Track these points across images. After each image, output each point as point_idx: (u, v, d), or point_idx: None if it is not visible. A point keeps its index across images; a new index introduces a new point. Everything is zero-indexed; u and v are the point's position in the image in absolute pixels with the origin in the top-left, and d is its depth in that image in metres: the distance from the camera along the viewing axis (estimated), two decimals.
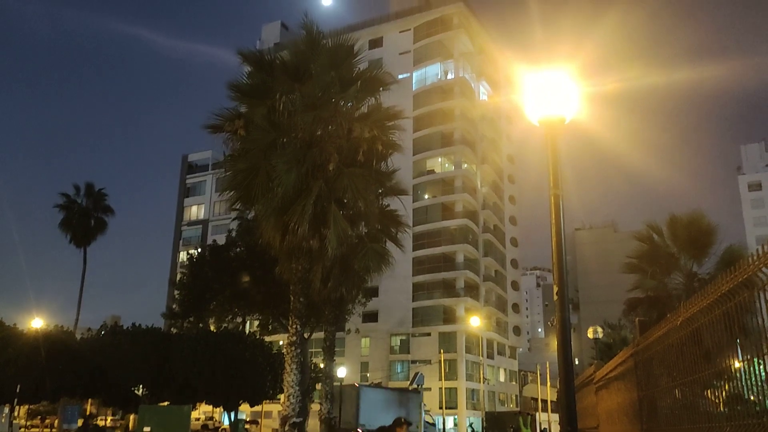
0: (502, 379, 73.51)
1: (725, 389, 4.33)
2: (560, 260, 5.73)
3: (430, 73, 75.37)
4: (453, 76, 74.42)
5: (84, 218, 51.01)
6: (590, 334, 27.80)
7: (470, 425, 59.18)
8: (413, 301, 67.46)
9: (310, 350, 42.27)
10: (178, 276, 53.67)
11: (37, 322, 36.56)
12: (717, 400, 4.50)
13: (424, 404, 40.67)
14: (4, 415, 36.43)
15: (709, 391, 4.61)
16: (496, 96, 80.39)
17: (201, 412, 55.70)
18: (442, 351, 58.10)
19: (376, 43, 76.70)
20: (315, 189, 17.37)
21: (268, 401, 36.08)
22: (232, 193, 17.94)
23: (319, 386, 41.96)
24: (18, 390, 30.37)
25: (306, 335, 31.41)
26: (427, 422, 40.22)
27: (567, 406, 5.58)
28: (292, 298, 18.19)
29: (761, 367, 3.63)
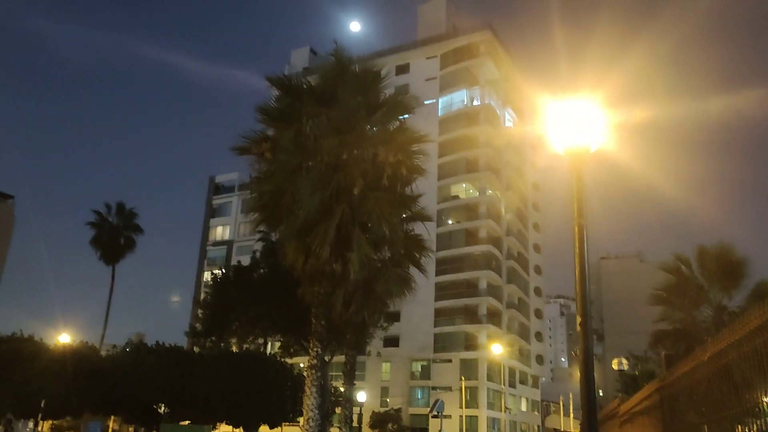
0: (523, 408, 72.23)
1: (756, 427, 4.18)
2: (584, 290, 5.64)
3: (456, 99, 75.74)
4: (479, 103, 74.64)
5: (114, 236, 51.80)
6: (615, 366, 27.24)
7: None
8: (435, 326, 66.91)
9: (330, 373, 42.04)
10: (202, 295, 54.03)
11: (64, 338, 36.97)
12: None
13: None
14: (28, 430, 36.75)
15: (739, 428, 4.45)
16: (521, 123, 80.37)
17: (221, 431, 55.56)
18: (463, 378, 57.37)
19: (402, 69, 77.40)
20: (339, 212, 17.41)
21: (287, 423, 35.88)
22: (257, 214, 18.06)
23: (338, 410, 41.64)
24: (43, 405, 30.62)
25: (327, 358, 31.28)
26: None
27: None
28: (313, 321, 18.16)
29: None
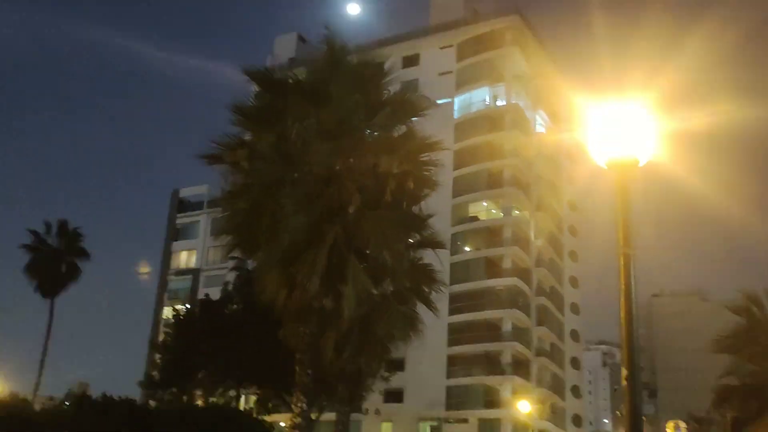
0: None
1: None
2: (631, 335, 5.64)
3: (476, 98, 76.29)
4: (504, 103, 75.15)
5: (54, 262, 51.32)
6: (670, 430, 27.07)
7: None
8: (448, 378, 66.58)
9: None
10: (161, 336, 53.91)
11: None
12: None
13: None
14: None
15: None
16: (555, 129, 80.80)
17: None
18: None
19: (411, 61, 78.00)
20: (330, 235, 17.44)
21: None
22: (229, 237, 18.13)
23: None
24: None
25: (314, 416, 31.07)
26: None
27: None
28: (297, 370, 18.09)
29: None
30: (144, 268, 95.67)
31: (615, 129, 5.80)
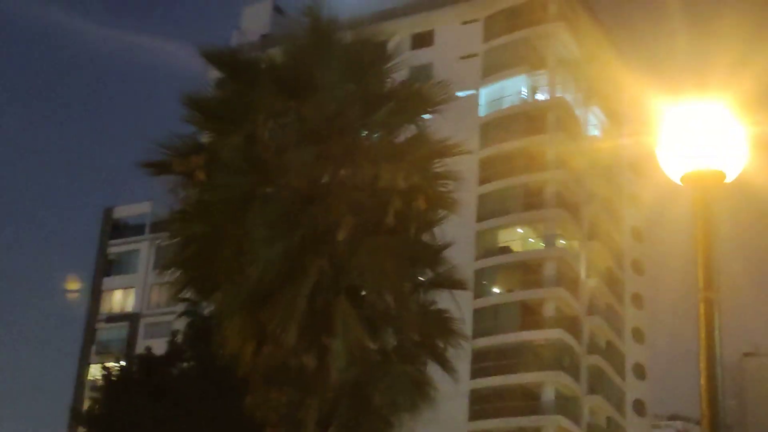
0: None
1: None
2: (715, 406, 5.62)
3: (509, 90, 76.81)
4: (546, 97, 75.52)
5: None
6: None
7: None
8: None
9: None
10: (86, 403, 53.67)
11: None
12: None
13: None
14: None
15: None
16: (615, 133, 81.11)
17: None
18: None
19: (422, 41, 78.62)
20: (313, 270, 17.44)
21: None
22: (179, 272, 18.11)
23: None
24: None
25: None
26: None
27: None
28: None
29: None
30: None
31: (694, 135, 5.82)
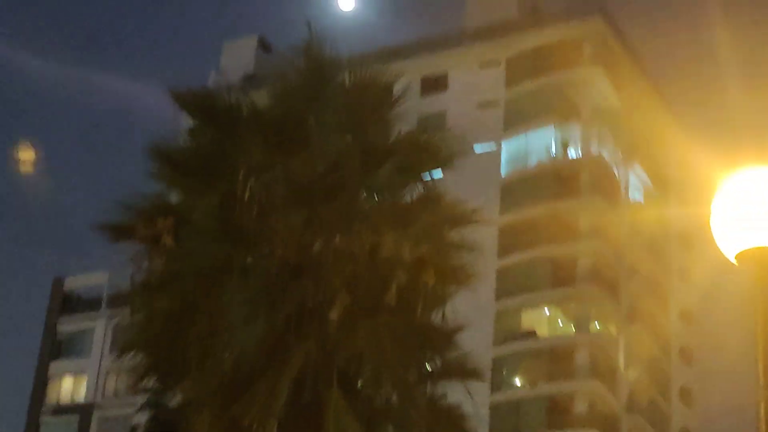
0: None
1: None
2: None
3: (536, 144, 77.22)
4: (579, 154, 75.78)
5: None
6: None
7: None
8: None
9: None
10: None
11: None
12: None
13: None
14: None
15: None
16: (660, 198, 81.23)
17: None
18: None
19: (434, 85, 79.25)
20: (299, 356, 17.36)
21: None
22: (141, 355, 18.02)
23: None
24: None
25: None
26: None
27: None
28: None
29: None
30: (25, 154, 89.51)
31: (754, 207, 5.83)
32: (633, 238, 75.06)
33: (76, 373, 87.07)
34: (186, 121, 20.02)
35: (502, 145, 76.69)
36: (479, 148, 71.90)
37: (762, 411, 5.68)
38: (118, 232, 18.42)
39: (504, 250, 70.58)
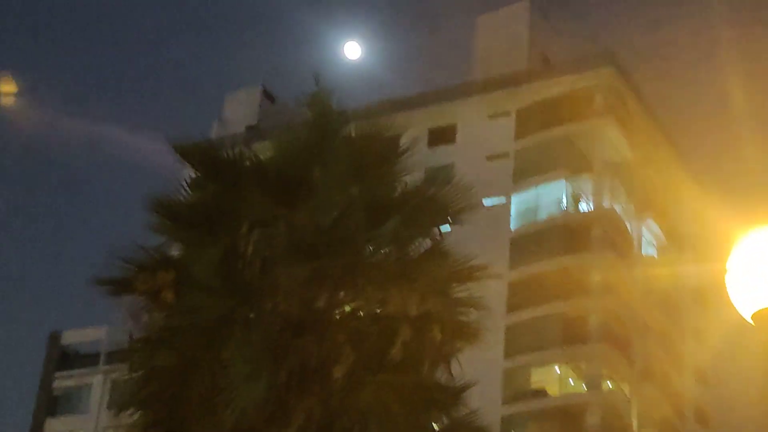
0: None
1: None
2: None
3: (546, 197, 77.26)
4: (591, 207, 75.83)
5: None
6: None
7: None
8: None
9: None
10: None
11: None
12: None
13: None
14: None
15: None
16: (674, 253, 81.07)
17: None
18: None
19: (442, 135, 79.51)
20: (301, 415, 17.31)
21: None
22: (141, 413, 17.95)
23: None
24: None
25: None
26: None
27: None
28: None
29: None
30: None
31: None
32: (646, 295, 74.84)
33: (73, 431, 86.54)
34: (187, 173, 20.00)
35: (512, 199, 76.73)
36: (488, 202, 71.96)
37: None
38: (117, 285, 18.37)
39: (513, 306, 70.37)
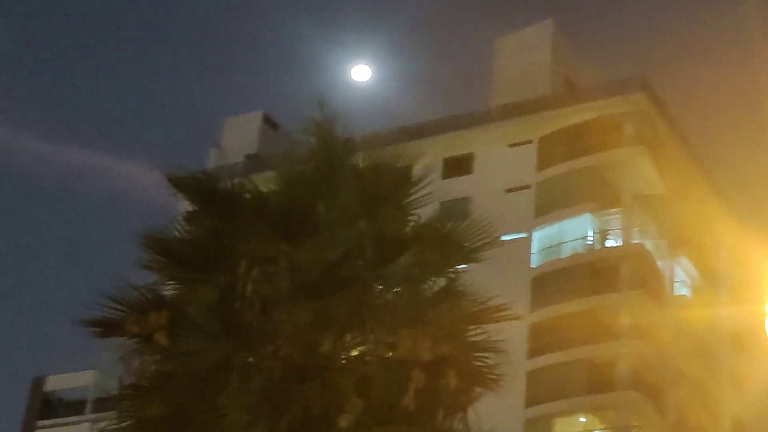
0: None
1: None
2: None
3: (571, 233, 77.39)
4: (619, 243, 75.81)
5: None
6: None
7: None
8: None
9: None
10: None
11: None
12: None
13: None
14: None
15: None
16: (710, 294, 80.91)
17: None
18: None
19: (459, 166, 79.65)
20: None
21: None
22: None
23: None
24: None
25: None
26: None
27: None
28: None
29: None
30: None
31: None
32: (679, 339, 74.67)
33: None
34: (183, 206, 20.03)
35: (534, 234, 76.72)
36: (508, 237, 71.89)
37: None
38: (106, 327, 18.32)
39: (535, 350, 70.28)
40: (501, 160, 79.04)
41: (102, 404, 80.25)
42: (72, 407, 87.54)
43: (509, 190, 77.57)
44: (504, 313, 19.39)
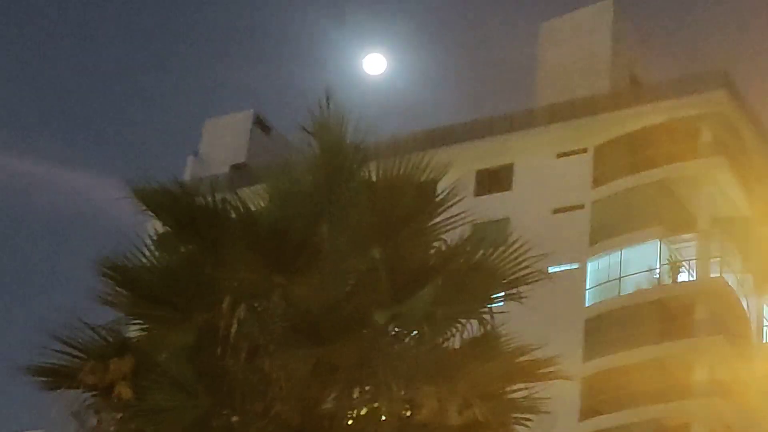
0: None
1: None
2: None
3: (634, 264, 77.25)
4: (693, 278, 75.71)
5: None
6: None
7: None
8: None
9: None
10: None
11: None
12: None
13: None
14: None
15: None
16: None
17: None
18: None
19: (495, 180, 79.87)
20: None
21: None
22: None
23: None
24: None
25: None
26: None
27: None
28: None
29: None
30: None
31: None
32: (767, 395, 74.52)
33: None
34: (152, 227, 19.89)
35: (588, 265, 76.62)
36: (556, 269, 71.82)
37: None
38: (56, 377, 18.25)
39: (588, 410, 70.26)
40: (547, 173, 78.85)
41: None
42: None
43: (557, 211, 77.52)
44: (551, 366, 19.19)
